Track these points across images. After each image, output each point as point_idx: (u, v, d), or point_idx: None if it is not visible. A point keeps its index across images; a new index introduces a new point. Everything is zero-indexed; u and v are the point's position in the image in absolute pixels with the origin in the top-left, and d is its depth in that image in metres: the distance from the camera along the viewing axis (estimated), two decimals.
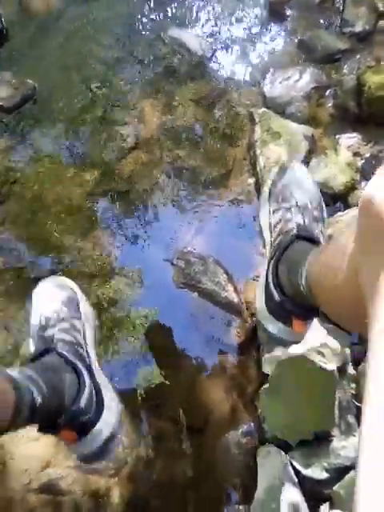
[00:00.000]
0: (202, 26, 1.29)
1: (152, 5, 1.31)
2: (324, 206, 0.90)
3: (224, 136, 1.17)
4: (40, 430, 0.67)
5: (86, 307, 0.89)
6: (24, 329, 1.03)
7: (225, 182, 1.13)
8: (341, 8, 1.25)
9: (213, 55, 1.25)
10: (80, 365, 0.73)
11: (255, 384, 0.93)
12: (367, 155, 1.10)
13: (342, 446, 0.75)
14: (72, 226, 1.12)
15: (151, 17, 1.30)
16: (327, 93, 1.18)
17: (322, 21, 1.26)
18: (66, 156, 1.20)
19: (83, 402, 0.70)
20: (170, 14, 1.30)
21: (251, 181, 1.12)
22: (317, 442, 0.77)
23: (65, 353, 0.72)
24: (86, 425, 0.71)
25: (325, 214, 0.88)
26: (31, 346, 0.81)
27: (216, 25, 1.28)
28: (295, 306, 0.71)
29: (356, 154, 1.10)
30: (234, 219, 1.10)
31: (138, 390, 0.97)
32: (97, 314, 1.04)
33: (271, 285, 0.76)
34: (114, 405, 0.78)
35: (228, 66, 1.24)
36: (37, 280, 1.07)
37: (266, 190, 0.93)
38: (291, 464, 0.77)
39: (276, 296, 0.74)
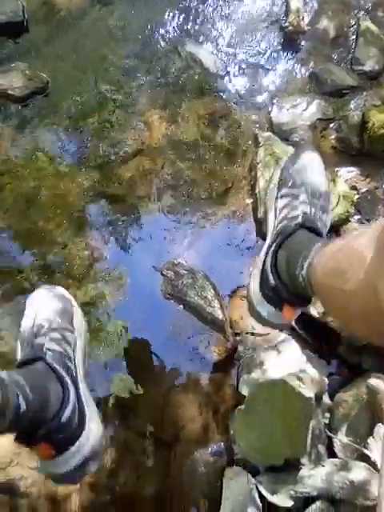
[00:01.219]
0: (219, 45, 1.31)
1: (173, 18, 1.33)
2: (331, 196, 0.88)
3: (227, 154, 1.18)
4: (17, 439, 0.64)
5: (79, 322, 0.86)
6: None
7: (222, 199, 1.14)
8: (353, 46, 1.29)
9: (226, 74, 1.27)
10: (67, 378, 0.69)
11: (230, 404, 0.92)
12: (364, 190, 1.12)
13: (309, 475, 0.74)
14: (65, 224, 1.11)
15: (171, 29, 1.32)
16: (332, 125, 1.20)
17: (334, 56, 1.29)
18: (66, 153, 1.19)
19: (65, 417, 0.66)
20: (189, 29, 1.32)
21: (249, 201, 1.13)
22: (286, 469, 0.76)
23: (53, 363, 0.69)
24: (65, 442, 0.67)
25: (331, 205, 0.87)
26: (18, 352, 0.78)
27: (233, 46, 1.31)
28: (289, 293, 0.70)
29: (353, 188, 1.12)
30: (227, 237, 1.10)
31: (110, 396, 0.96)
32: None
33: (268, 269, 0.74)
34: (95, 427, 0.73)
35: (239, 86, 1.26)
36: (20, 272, 1.07)
37: (277, 172, 0.91)
38: (257, 488, 0.76)
39: (271, 280, 0.73)
